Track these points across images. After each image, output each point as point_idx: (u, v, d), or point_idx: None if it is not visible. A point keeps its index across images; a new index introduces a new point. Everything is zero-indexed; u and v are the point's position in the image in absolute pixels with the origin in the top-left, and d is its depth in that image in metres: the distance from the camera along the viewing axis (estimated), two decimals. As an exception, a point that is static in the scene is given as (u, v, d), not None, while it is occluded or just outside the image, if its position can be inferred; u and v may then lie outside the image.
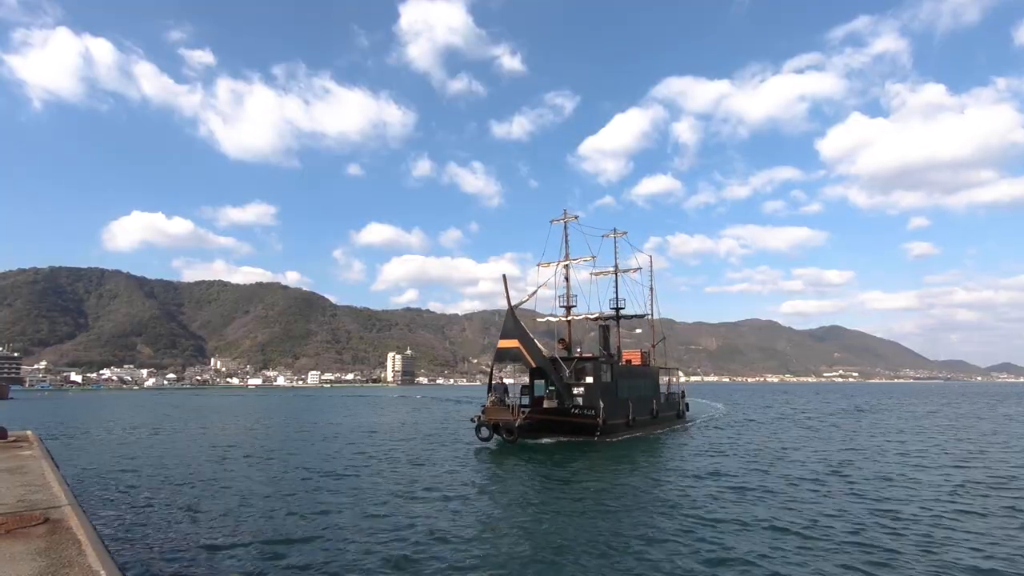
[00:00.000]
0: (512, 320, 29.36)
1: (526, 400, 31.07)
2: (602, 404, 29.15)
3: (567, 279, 35.35)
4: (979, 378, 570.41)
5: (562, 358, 31.47)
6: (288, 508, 14.84)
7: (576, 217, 35.99)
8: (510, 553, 11.09)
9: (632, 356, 38.72)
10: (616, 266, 41.39)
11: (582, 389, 30.16)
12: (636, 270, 41.82)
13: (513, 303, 30.07)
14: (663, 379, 43.56)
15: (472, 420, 29.05)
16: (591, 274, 41.67)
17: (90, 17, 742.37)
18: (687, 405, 45.65)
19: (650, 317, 44.60)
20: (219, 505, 15.25)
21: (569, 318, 35.10)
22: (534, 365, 29.23)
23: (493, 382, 29.97)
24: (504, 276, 29.91)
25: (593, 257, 35.65)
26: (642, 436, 32.21)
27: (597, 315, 35.52)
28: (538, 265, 35.93)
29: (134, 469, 21.48)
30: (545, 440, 28.96)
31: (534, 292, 33.56)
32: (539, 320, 35.53)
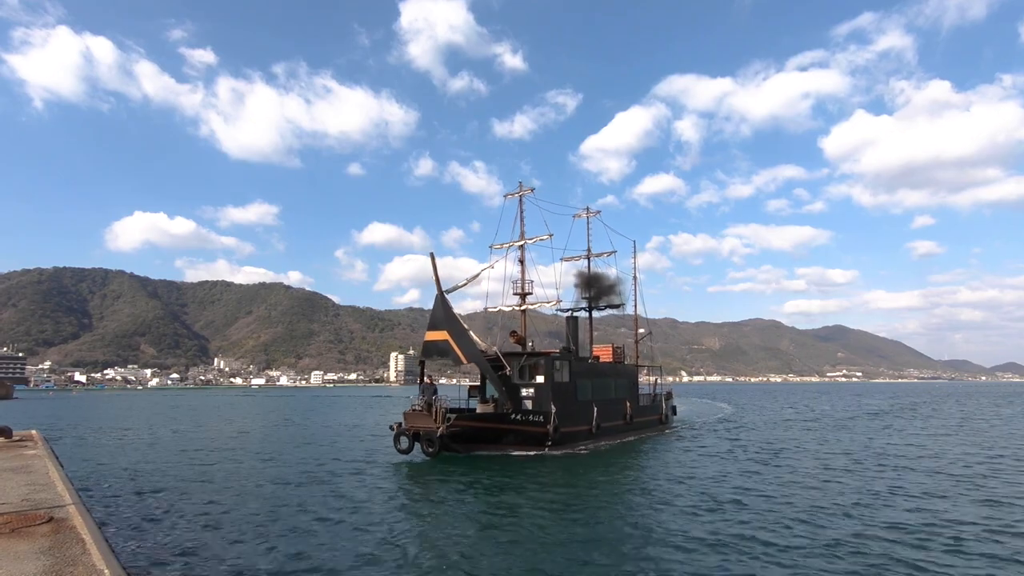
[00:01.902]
0: (441, 308, 25.12)
1: (474, 403, 27.03)
2: (554, 408, 24.98)
3: (522, 262, 30.13)
4: (983, 378, 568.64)
5: (511, 353, 27.18)
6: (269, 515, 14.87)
7: (532, 190, 30.89)
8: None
9: (603, 351, 33.91)
10: (588, 250, 36.42)
11: (532, 390, 26.06)
12: (610, 253, 36.62)
13: (446, 287, 25.81)
14: (647, 379, 38.97)
15: (391, 428, 24.29)
16: (561, 259, 36.63)
17: (91, 16, 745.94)
18: (674, 408, 40.60)
19: (630, 308, 39.51)
20: (221, 504, 15.25)
21: (524, 307, 30.06)
22: (465, 361, 24.93)
23: (424, 382, 25.34)
24: (432, 254, 25.27)
25: (550, 235, 30.28)
26: (609, 446, 27.83)
27: (554, 301, 30.31)
28: (490, 247, 30.85)
29: (138, 468, 21.51)
30: (483, 452, 24.36)
31: (475, 276, 29.01)
32: (491, 310, 30.93)
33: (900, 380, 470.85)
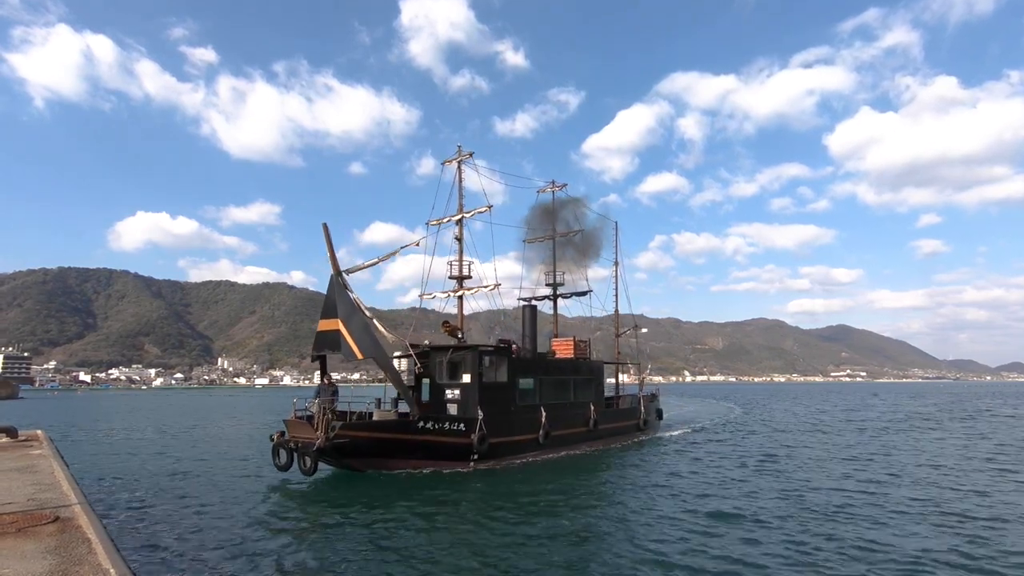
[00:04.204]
0: (338, 293, 20.47)
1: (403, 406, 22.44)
2: (481, 414, 20.78)
3: (459, 239, 25.80)
4: (989, 377, 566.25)
5: (437, 347, 23.52)
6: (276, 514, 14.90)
7: (471, 154, 26.20)
8: None
9: (563, 346, 29.15)
10: (554, 229, 32.39)
11: (457, 392, 22.14)
12: (577, 232, 32.38)
13: (352, 267, 21.44)
14: (635, 378, 35.40)
15: (271, 439, 19.69)
16: (524, 241, 32.31)
17: (91, 14, 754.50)
18: (660, 412, 35.96)
19: (614, 298, 35.60)
20: (228, 503, 15.33)
21: (460, 292, 25.77)
22: (359, 356, 19.99)
23: (323, 382, 20.56)
24: (325, 226, 20.64)
25: (489, 207, 25.77)
26: (561, 459, 23.31)
27: (492, 286, 25.86)
28: (427, 224, 26.41)
29: (142, 468, 21.61)
30: (399, 470, 19.70)
31: (389, 255, 23.89)
32: (425, 296, 26.85)
33: (904, 380, 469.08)
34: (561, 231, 32.66)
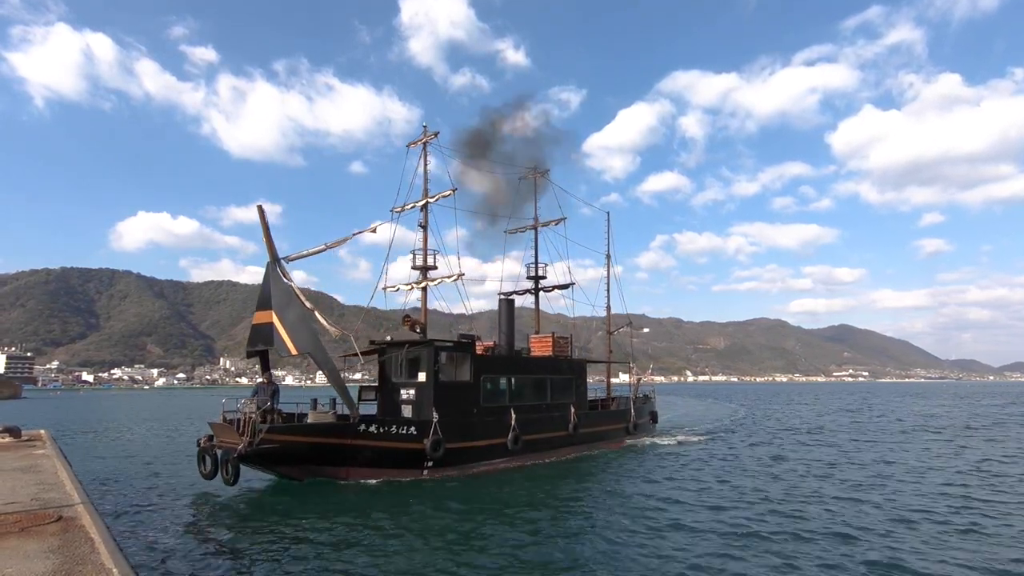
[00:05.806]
0: (273, 281, 18.58)
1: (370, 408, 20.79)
2: (436, 416, 18.98)
3: (424, 227, 24.01)
4: (992, 377, 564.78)
5: (394, 343, 21.69)
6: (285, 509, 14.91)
7: (436, 135, 24.25)
8: None
9: (541, 343, 27.09)
10: (536, 219, 30.50)
11: (412, 392, 20.52)
12: (559, 221, 30.39)
13: (294, 254, 19.70)
14: (634, 378, 34.23)
15: (197, 444, 17.89)
16: (505, 232, 30.64)
17: (91, 13, 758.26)
18: (654, 415, 33.20)
19: (606, 293, 33.76)
20: (231, 503, 15.39)
21: (424, 284, 24.23)
22: (294, 352, 18.16)
23: (261, 381, 18.95)
24: (260, 208, 18.40)
25: (453, 190, 23.86)
26: (534, 466, 21.37)
27: (455, 276, 23.73)
28: (391, 211, 24.63)
29: (146, 468, 21.67)
30: (341, 479, 17.82)
31: (341, 241, 21.63)
32: (388, 289, 25.06)
33: (907, 380, 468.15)
34: (533, 210, 30.57)
